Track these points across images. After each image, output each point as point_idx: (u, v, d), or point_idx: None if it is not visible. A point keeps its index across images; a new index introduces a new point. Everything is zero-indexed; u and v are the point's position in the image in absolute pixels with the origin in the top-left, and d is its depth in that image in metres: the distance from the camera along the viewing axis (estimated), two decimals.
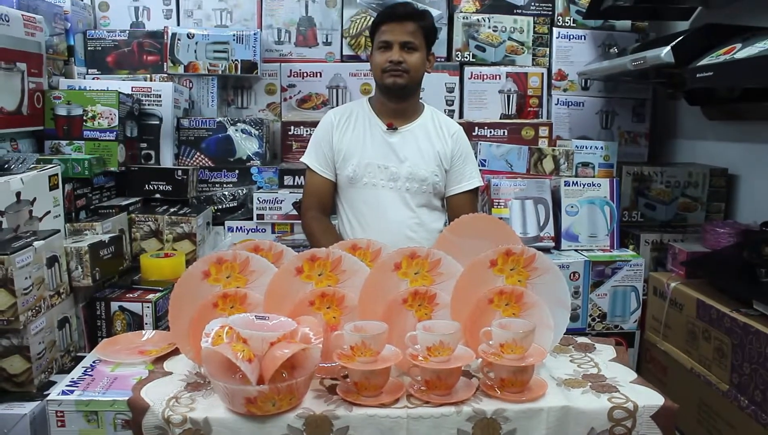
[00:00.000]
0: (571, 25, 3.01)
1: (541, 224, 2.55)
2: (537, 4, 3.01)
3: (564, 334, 1.62)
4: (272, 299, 1.50)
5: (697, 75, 1.99)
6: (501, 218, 2.47)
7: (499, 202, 2.56)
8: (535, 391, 1.40)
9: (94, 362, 1.58)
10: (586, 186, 2.59)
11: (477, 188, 2.29)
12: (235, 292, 1.53)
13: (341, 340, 1.40)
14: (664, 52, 2.14)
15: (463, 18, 2.95)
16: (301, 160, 2.30)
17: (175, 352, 1.59)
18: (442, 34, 2.95)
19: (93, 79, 2.71)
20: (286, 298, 1.51)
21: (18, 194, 1.70)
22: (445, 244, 1.72)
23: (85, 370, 1.53)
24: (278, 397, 1.29)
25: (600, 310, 2.50)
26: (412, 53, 2.11)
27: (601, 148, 2.72)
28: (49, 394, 1.45)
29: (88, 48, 2.76)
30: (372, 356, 1.37)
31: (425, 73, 2.22)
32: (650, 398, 1.42)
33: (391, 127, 2.19)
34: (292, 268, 1.53)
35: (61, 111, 2.27)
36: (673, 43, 2.13)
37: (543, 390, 1.41)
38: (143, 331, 1.75)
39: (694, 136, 2.97)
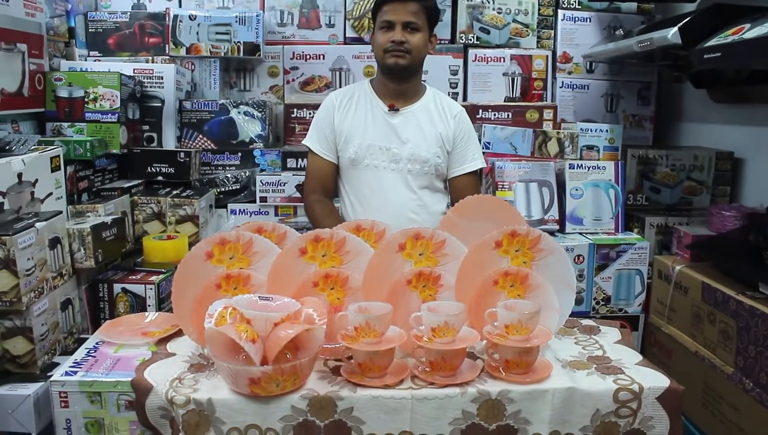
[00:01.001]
0: (576, 7, 2.98)
1: (546, 207, 2.53)
2: None
3: (568, 316, 1.61)
4: (276, 280, 1.50)
5: (705, 56, 1.96)
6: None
7: (503, 185, 2.54)
8: (540, 373, 1.40)
9: (97, 343, 1.58)
10: (590, 169, 2.57)
11: (480, 170, 2.28)
12: (239, 273, 1.52)
13: (345, 321, 1.40)
14: (671, 33, 2.11)
15: (467, 0, 2.92)
16: (302, 142, 2.28)
17: (178, 333, 1.59)
18: (446, 17, 2.91)
19: (94, 61, 2.69)
20: (290, 279, 1.51)
21: (20, 175, 1.69)
22: (449, 225, 1.71)
23: (88, 352, 1.53)
24: (282, 378, 1.29)
25: (604, 294, 2.48)
26: (414, 34, 2.09)
27: (606, 131, 2.70)
28: (52, 375, 1.45)
29: (89, 30, 2.73)
30: (376, 337, 1.36)
31: (427, 54, 2.20)
32: (656, 380, 1.42)
33: (393, 109, 2.17)
34: (296, 249, 1.52)
35: (63, 93, 2.25)
36: (680, 24, 2.10)
37: (548, 371, 1.41)
38: (146, 313, 1.75)
39: (700, 120, 2.94)
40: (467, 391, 1.35)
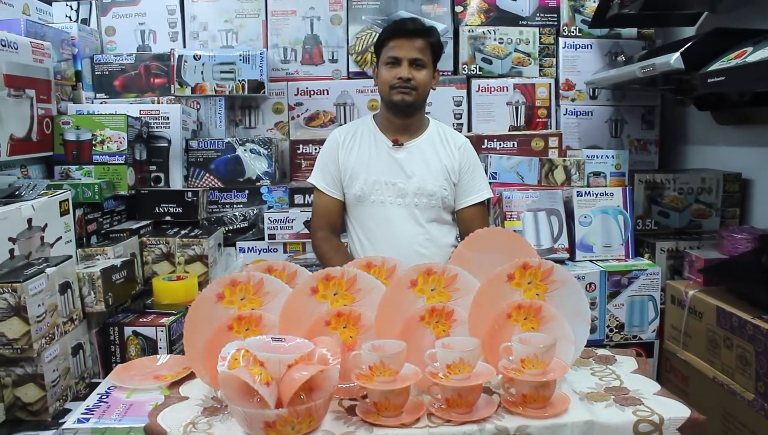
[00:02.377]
0: (577, 34, 3.01)
1: (555, 236, 2.52)
2: (542, 15, 3.00)
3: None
4: (288, 320, 1.49)
5: (709, 80, 1.97)
6: (514, 231, 2.47)
7: (511, 215, 2.53)
8: (557, 407, 1.38)
9: (109, 389, 1.56)
10: (598, 195, 2.57)
11: (487, 200, 2.28)
12: (250, 314, 1.51)
13: (359, 360, 1.38)
14: (674, 59, 2.12)
15: (469, 31, 2.95)
16: (308, 180, 2.29)
17: (191, 376, 1.57)
18: (448, 48, 2.94)
19: (101, 103, 2.71)
20: (302, 319, 1.49)
21: (29, 221, 1.70)
22: (460, 259, 1.70)
23: (100, 397, 1.52)
24: (297, 421, 1.27)
25: (618, 321, 2.46)
26: (420, 70, 2.11)
27: (612, 156, 2.70)
28: (64, 422, 1.43)
29: (96, 72, 2.77)
30: (391, 375, 1.35)
31: (430, 90, 2.21)
32: (676, 410, 1.39)
33: (397, 143, 2.18)
34: (307, 288, 1.51)
35: (70, 136, 2.27)
36: (682, 48, 2.12)
37: (566, 405, 1.39)
38: (158, 356, 1.74)
39: (705, 142, 2.94)
40: (485, 428, 1.32)
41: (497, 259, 1.60)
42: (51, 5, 2.70)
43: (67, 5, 2.81)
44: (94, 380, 1.79)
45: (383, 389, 1.33)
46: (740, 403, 1.94)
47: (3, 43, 1.94)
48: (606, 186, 2.66)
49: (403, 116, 2.17)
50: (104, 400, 1.51)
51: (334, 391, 1.36)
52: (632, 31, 3.04)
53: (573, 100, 3.02)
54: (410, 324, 1.50)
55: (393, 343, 1.38)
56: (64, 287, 1.66)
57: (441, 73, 2.92)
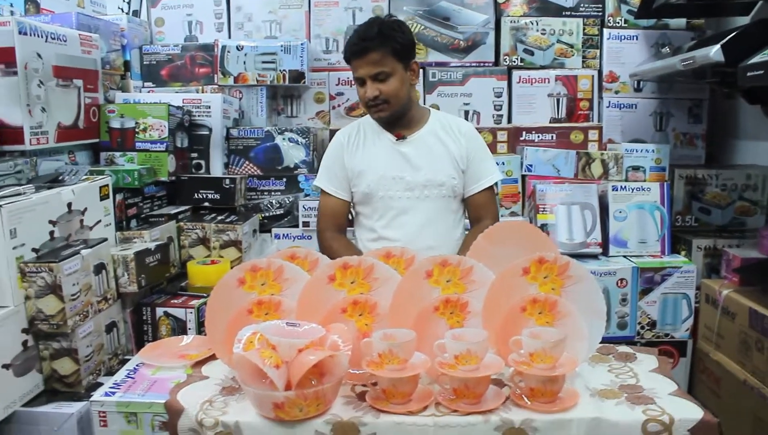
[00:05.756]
0: (623, 25, 2.94)
1: (588, 230, 2.49)
2: (586, 5, 2.95)
3: (610, 342, 1.58)
4: (305, 306, 1.53)
5: (748, 74, 1.91)
6: (546, 224, 2.45)
7: (544, 208, 2.52)
8: (565, 402, 1.38)
9: (137, 365, 1.64)
10: (635, 190, 2.53)
11: (495, 183, 2.23)
12: (270, 299, 1.56)
13: (370, 348, 1.41)
14: (714, 51, 2.06)
15: (511, 22, 2.92)
16: (314, 184, 2.30)
17: (214, 356, 1.63)
18: (490, 39, 2.92)
19: (148, 92, 2.81)
20: (319, 306, 1.53)
21: (69, 205, 1.79)
22: (479, 251, 1.71)
23: (128, 373, 1.60)
24: (305, 403, 1.31)
25: (649, 318, 2.42)
26: (385, 81, 2.05)
27: (653, 151, 2.64)
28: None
29: (144, 62, 2.87)
30: (400, 364, 1.37)
31: (413, 83, 2.17)
32: (688, 411, 1.37)
33: (401, 138, 2.17)
34: (325, 276, 1.55)
35: (115, 124, 2.37)
36: (723, 41, 2.05)
37: (574, 401, 1.38)
38: (183, 336, 1.81)
39: (754, 137, 2.84)
40: (490, 420, 1.34)
41: (517, 253, 1.60)
42: None
43: None
44: (127, 357, 1.88)
45: (391, 377, 1.36)
46: None
47: (52, 36, 2.04)
48: (645, 180, 2.60)
49: (391, 126, 2.17)
50: (131, 375, 1.59)
51: (345, 376, 1.40)
52: (681, 22, 2.94)
53: (617, 92, 2.95)
54: (424, 314, 1.52)
55: (404, 332, 1.41)
56: (99, 268, 1.75)
57: (481, 64, 2.92)
